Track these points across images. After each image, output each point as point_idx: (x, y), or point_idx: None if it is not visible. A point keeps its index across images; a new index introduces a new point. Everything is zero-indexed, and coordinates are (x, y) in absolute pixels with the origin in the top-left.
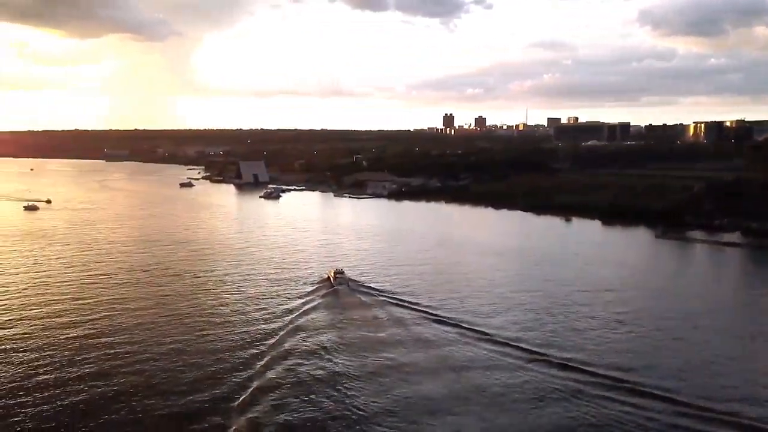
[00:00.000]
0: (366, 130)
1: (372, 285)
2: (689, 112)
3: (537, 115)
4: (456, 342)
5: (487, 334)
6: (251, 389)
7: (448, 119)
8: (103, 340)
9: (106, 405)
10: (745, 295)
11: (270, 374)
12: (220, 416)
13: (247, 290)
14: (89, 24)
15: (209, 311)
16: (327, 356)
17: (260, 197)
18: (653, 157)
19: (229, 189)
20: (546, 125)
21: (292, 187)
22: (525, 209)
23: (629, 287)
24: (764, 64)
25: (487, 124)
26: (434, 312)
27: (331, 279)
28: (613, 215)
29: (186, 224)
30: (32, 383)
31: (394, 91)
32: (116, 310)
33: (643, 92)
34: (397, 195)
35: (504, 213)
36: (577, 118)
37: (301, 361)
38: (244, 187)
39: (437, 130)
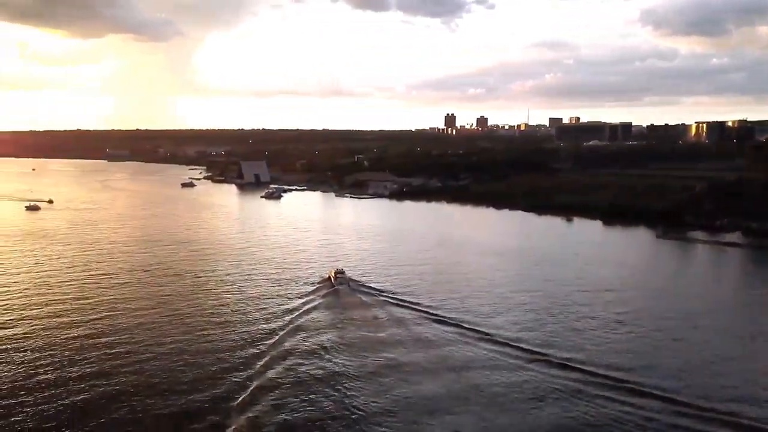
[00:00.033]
0: (367, 130)
1: (372, 285)
2: (691, 112)
3: (539, 115)
4: (456, 342)
5: (487, 334)
6: (251, 389)
7: (450, 119)
8: (103, 339)
9: (107, 404)
10: (746, 295)
11: (270, 374)
12: (220, 416)
13: (247, 290)
14: (91, 24)
15: (210, 311)
16: (327, 356)
17: (262, 197)
18: (655, 157)
19: (231, 189)
20: (548, 125)
21: (294, 187)
22: (526, 209)
23: (629, 287)
24: (767, 64)
25: (489, 124)
26: (434, 312)
27: (332, 279)
28: (613, 215)
29: (187, 224)
30: (33, 382)
31: (395, 91)
32: (117, 310)
33: (645, 92)
34: (398, 195)
35: (505, 213)
36: (578, 118)
37: (301, 361)
38: (246, 187)
39: (439, 130)
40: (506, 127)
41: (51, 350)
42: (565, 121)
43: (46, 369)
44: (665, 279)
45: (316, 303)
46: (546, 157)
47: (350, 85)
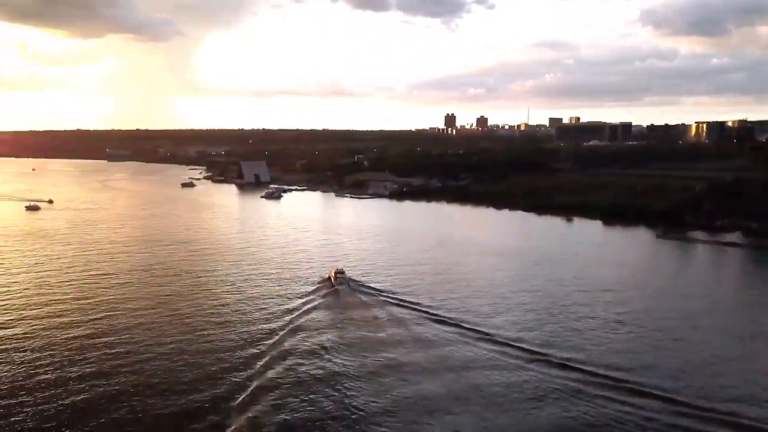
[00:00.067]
0: (367, 130)
1: (373, 285)
2: (691, 112)
3: (539, 115)
4: (456, 342)
5: (487, 334)
6: (251, 389)
7: (450, 119)
8: (103, 339)
9: (107, 404)
10: (746, 294)
11: (270, 374)
12: (220, 416)
13: (247, 290)
14: (91, 24)
15: (210, 311)
16: (327, 356)
17: (261, 197)
18: (655, 157)
19: (231, 189)
20: (548, 125)
21: (294, 187)
22: (526, 209)
23: (629, 287)
24: (767, 64)
25: (489, 124)
26: (435, 312)
27: (332, 279)
28: (613, 215)
29: (187, 224)
30: (33, 382)
31: (395, 91)
32: (117, 310)
33: (645, 92)
34: (398, 195)
35: (505, 213)
36: (578, 118)
37: (301, 361)
38: (246, 187)
39: (439, 130)
40: (506, 127)
41: (51, 350)
42: (565, 121)
43: (46, 369)
44: (665, 279)
45: (316, 303)
46: (546, 157)
47: (350, 85)
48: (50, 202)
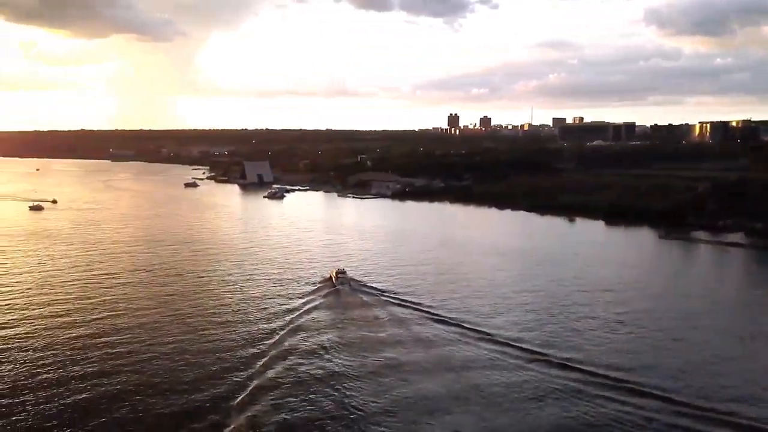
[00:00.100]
0: (370, 130)
1: (374, 285)
2: (695, 112)
3: (542, 115)
4: (457, 342)
5: (487, 334)
6: (251, 388)
7: (453, 119)
8: (105, 339)
9: (109, 404)
10: (747, 295)
11: (270, 374)
12: (220, 415)
13: (249, 290)
14: (95, 24)
15: (211, 311)
16: (327, 356)
17: (264, 197)
18: (658, 157)
19: (234, 189)
20: (551, 125)
21: (297, 187)
22: (528, 209)
23: (630, 287)
24: None
25: (492, 124)
26: (435, 312)
27: (333, 279)
28: (613, 215)
29: (190, 224)
30: (36, 382)
31: (398, 91)
32: (119, 310)
33: (649, 92)
34: (401, 195)
35: (507, 213)
36: (582, 118)
37: (301, 361)
38: (249, 187)
39: (442, 130)
40: (509, 127)
41: (53, 350)
42: (569, 121)
43: (48, 368)
44: (666, 279)
45: (317, 303)
46: (549, 157)
47: (354, 85)
48: (54, 202)
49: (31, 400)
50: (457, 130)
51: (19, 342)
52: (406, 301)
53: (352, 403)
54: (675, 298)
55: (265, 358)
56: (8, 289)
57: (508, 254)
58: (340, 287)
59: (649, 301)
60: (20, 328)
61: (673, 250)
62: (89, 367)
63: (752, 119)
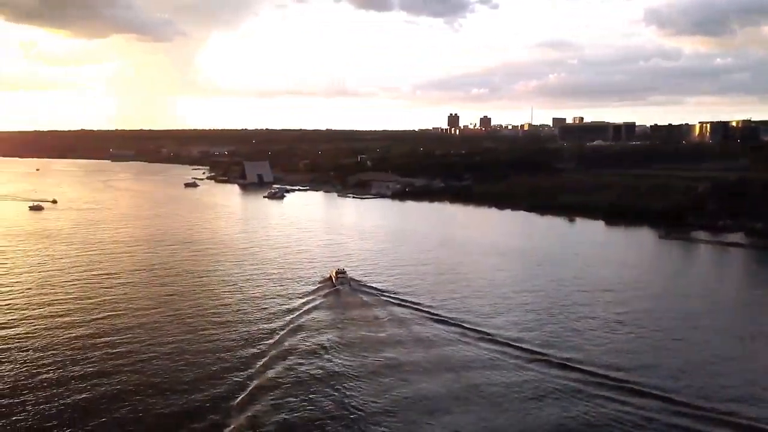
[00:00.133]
0: (370, 130)
1: (374, 285)
2: (695, 112)
3: (542, 115)
4: (456, 342)
5: (487, 334)
6: (251, 388)
7: (453, 119)
8: (105, 339)
9: (109, 403)
10: (747, 295)
11: (270, 373)
12: (220, 415)
13: (249, 290)
14: (95, 24)
15: (211, 311)
16: (327, 356)
17: (264, 197)
18: (658, 157)
19: (234, 189)
20: (551, 125)
21: (297, 187)
22: (528, 209)
23: (630, 287)
24: None
25: (492, 124)
26: (435, 312)
27: (333, 279)
28: (613, 215)
29: (190, 224)
30: (36, 381)
31: (399, 91)
32: (119, 310)
33: (649, 92)
34: (401, 195)
35: (507, 213)
36: (582, 118)
37: (300, 361)
38: (249, 187)
39: (442, 130)
40: (509, 127)
41: (53, 350)
42: (569, 121)
43: (48, 368)
44: (666, 279)
45: (316, 303)
46: (549, 157)
47: (354, 85)
48: (54, 202)
49: (31, 400)
50: (457, 130)
51: (19, 342)
52: (406, 301)
53: (352, 403)
54: (675, 298)
55: (265, 358)
56: (8, 289)
57: (508, 254)
58: (340, 287)
59: (649, 301)
60: (20, 328)
61: (673, 250)
62: (89, 367)
63: (752, 119)
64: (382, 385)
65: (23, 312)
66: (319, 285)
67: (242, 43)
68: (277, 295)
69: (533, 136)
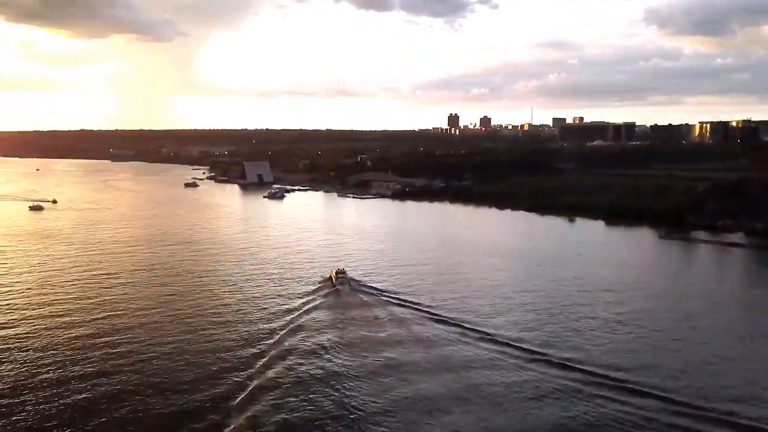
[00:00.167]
0: (371, 130)
1: (374, 285)
2: (695, 112)
3: (542, 115)
4: (456, 342)
5: (487, 334)
6: (251, 388)
7: (453, 119)
8: (105, 339)
9: (109, 403)
10: (747, 295)
11: (270, 373)
12: (220, 415)
13: (249, 290)
14: (95, 24)
15: (211, 311)
16: (326, 356)
17: (264, 197)
18: (658, 157)
19: (234, 189)
20: (551, 125)
21: (297, 187)
22: (528, 209)
23: (630, 288)
24: None
25: (492, 124)
26: (435, 312)
27: (333, 279)
28: (613, 215)
29: (190, 224)
30: (36, 381)
31: (399, 91)
32: (119, 310)
33: (649, 92)
34: (401, 195)
35: (507, 213)
36: (582, 118)
37: (300, 361)
38: (249, 187)
39: (442, 130)
40: (509, 127)
41: (53, 349)
42: (569, 121)
43: (48, 368)
44: (666, 279)
45: (316, 303)
46: (549, 158)
47: (354, 85)
48: (54, 202)
49: (31, 400)
50: (457, 130)
51: (19, 342)
52: (406, 301)
53: (352, 403)
54: (675, 298)
55: (265, 358)
56: (8, 289)
57: (508, 254)
58: (340, 287)
59: (650, 301)
60: (20, 328)
61: (673, 250)
62: (89, 367)
63: (752, 119)
64: (382, 385)
65: (23, 312)
66: (319, 285)
67: (242, 43)
68: (277, 295)
69: (533, 136)
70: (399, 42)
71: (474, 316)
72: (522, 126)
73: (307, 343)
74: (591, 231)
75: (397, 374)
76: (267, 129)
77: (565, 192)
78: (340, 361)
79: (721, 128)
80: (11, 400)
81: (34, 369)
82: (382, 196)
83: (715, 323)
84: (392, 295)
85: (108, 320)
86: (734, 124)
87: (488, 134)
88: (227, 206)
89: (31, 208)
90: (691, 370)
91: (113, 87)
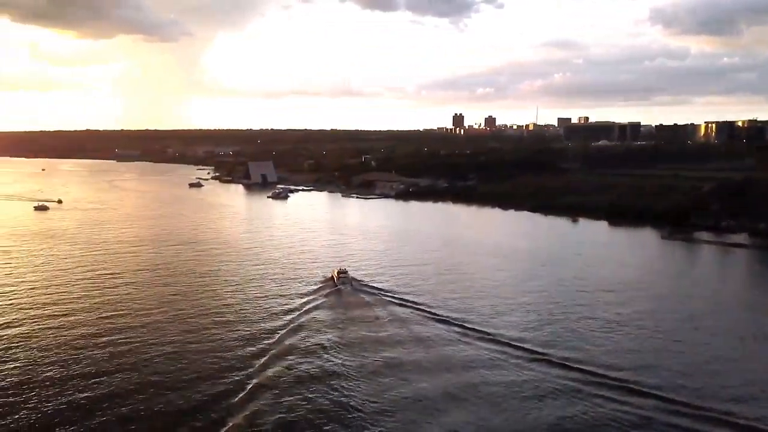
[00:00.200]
0: (375, 130)
1: (375, 285)
2: (702, 112)
3: (547, 115)
4: (457, 342)
5: (488, 334)
6: (251, 387)
7: (458, 119)
8: (108, 338)
9: (110, 402)
10: (750, 295)
11: (269, 372)
12: (220, 413)
13: (251, 290)
14: (102, 25)
15: (213, 311)
16: (326, 355)
17: (268, 197)
18: (664, 157)
19: (238, 189)
20: (556, 125)
21: (301, 188)
22: (532, 209)
23: (632, 288)
24: None
25: (497, 123)
26: (436, 312)
27: (335, 279)
28: (615, 215)
29: (194, 224)
30: (39, 380)
31: (404, 91)
32: (122, 309)
33: (655, 92)
34: (405, 195)
35: (511, 213)
36: (587, 118)
37: (300, 360)
38: (253, 187)
39: (447, 130)
40: (514, 127)
41: (56, 348)
42: (574, 121)
43: (51, 367)
44: (668, 280)
45: (318, 303)
46: (554, 157)
47: (359, 85)
48: (59, 202)
49: (33, 399)
50: (462, 130)
51: (23, 341)
52: (408, 300)
53: (351, 403)
54: (677, 298)
55: (265, 358)
56: (13, 288)
57: (510, 254)
58: (341, 287)
59: (652, 301)
60: (24, 327)
61: (676, 251)
62: (91, 366)
63: (758, 119)
64: (381, 384)
65: (27, 311)
66: (320, 285)
67: (248, 44)
68: (279, 295)
69: (538, 135)
70: (404, 42)
71: (475, 316)
72: (527, 126)
73: (308, 343)
74: (593, 231)
75: (397, 374)
76: (272, 129)
77: (569, 192)
78: (339, 361)
79: (726, 128)
80: (15, 399)
81: (38, 367)
82: (386, 196)
83: (717, 324)
84: (394, 295)
85: (110, 320)
86: (740, 124)
87: (493, 134)
88: (231, 206)
89: (36, 208)
90: (692, 371)
91: (119, 87)
